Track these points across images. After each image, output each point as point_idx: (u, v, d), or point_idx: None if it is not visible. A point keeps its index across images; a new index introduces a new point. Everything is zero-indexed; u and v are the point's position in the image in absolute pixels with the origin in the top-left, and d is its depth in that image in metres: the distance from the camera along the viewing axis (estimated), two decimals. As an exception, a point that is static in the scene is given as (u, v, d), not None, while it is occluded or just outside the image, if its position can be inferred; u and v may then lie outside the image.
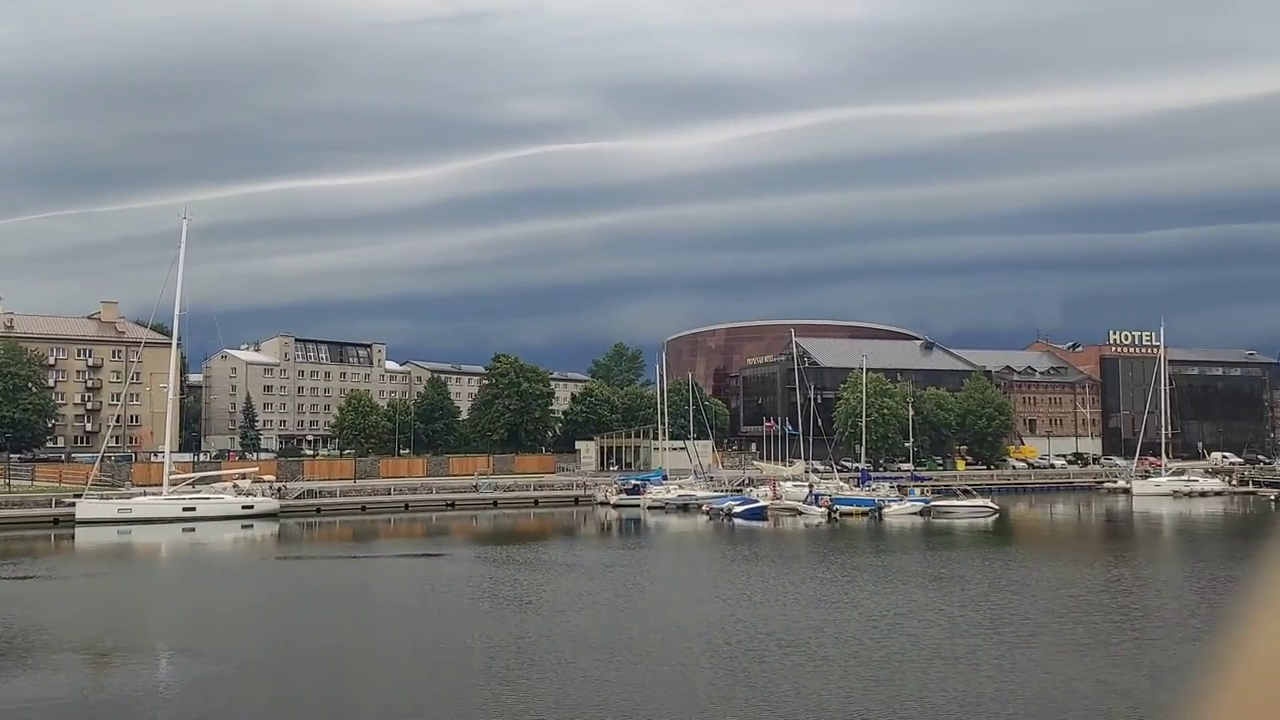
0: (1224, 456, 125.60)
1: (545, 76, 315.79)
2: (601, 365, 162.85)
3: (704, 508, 76.81)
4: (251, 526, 68.91)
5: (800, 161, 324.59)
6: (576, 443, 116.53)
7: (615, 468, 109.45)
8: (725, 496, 78.92)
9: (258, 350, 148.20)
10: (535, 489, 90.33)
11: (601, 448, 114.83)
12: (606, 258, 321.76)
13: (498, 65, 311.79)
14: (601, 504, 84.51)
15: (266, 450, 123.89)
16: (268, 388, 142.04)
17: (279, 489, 78.61)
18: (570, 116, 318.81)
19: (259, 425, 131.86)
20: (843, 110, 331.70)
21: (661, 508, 80.00)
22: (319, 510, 78.30)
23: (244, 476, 79.34)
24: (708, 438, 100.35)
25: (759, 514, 72.73)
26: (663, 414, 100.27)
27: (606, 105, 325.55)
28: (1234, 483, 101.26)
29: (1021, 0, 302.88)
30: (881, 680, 24.15)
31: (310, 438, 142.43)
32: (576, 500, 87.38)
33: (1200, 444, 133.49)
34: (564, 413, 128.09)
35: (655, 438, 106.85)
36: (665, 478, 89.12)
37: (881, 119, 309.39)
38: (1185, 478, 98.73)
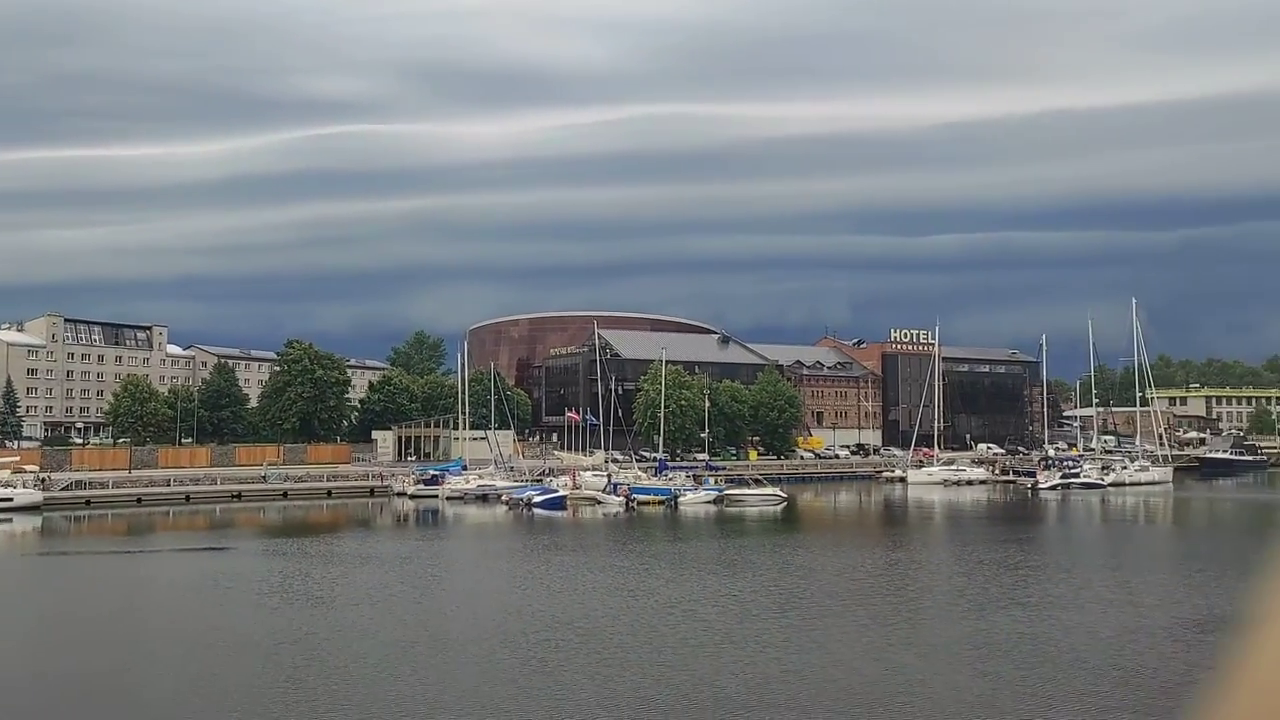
0: (989, 448, 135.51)
1: (345, 53, 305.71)
2: (401, 353, 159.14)
3: (503, 498, 76.44)
4: (10, 521, 63.60)
5: (606, 155, 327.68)
6: (373, 432, 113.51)
7: (413, 458, 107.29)
8: (525, 487, 78.79)
9: (21, 330, 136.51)
10: (328, 480, 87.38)
11: (400, 437, 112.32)
12: (408, 243, 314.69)
13: (293, 39, 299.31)
14: (398, 495, 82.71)
15: (29, 439, 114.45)
16: (32, 371, 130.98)
17: (42, 480, 72.86)
18: (371, 97, 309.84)
19: (20, 411, 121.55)
20: (650, 106, 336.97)
21: (460, 498, 79.08)
22: (89, 502, 73.07)
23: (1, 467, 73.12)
24: (509, 428, 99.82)
25: (558, 504, 73.03)
26: (464, 403, 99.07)
27: (410, 87, 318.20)
28: (996, 472, 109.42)
29: (829, 11, 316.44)
30: (675, 666, 24.80)
31: (80, 425, 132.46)
32: (372, 491, 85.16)
33: (969, 436, 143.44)
34: (361, 401, 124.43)
35: (456, 428, 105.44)
36: (465, 468, 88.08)
37: (687, 116, 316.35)
38: (954, 467, 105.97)
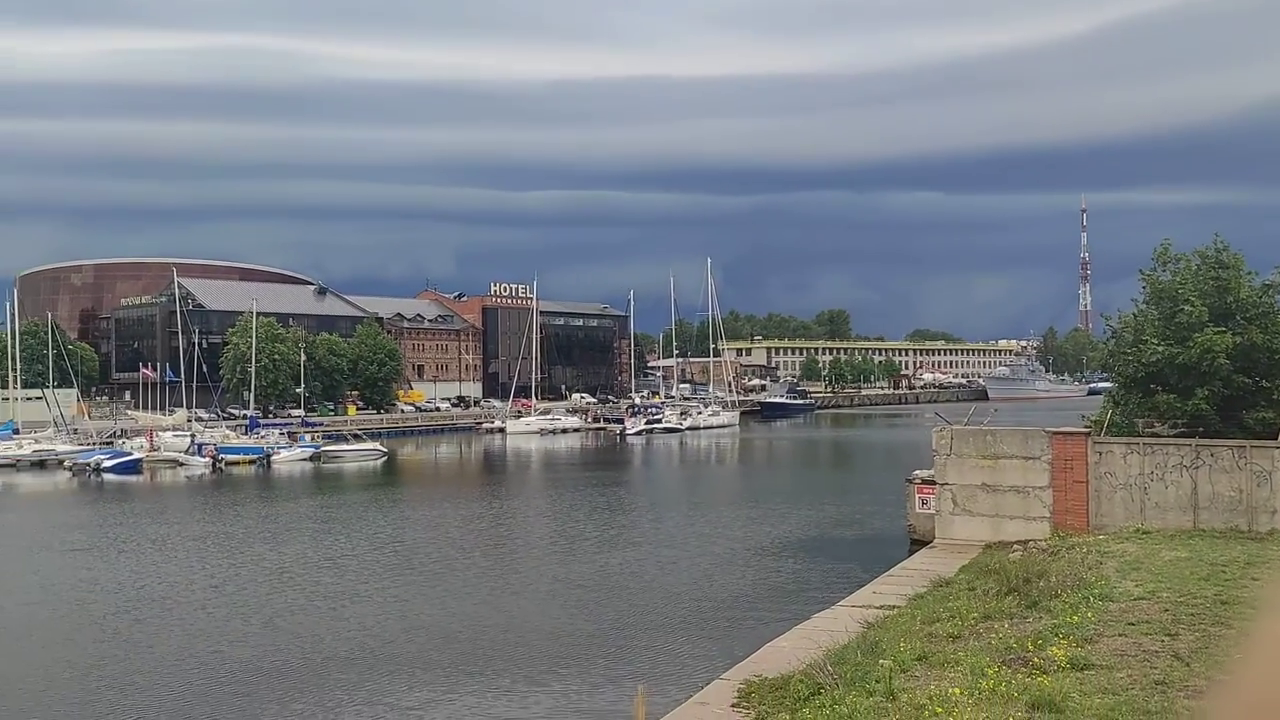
0: (582, 397, 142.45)
1: None
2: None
3: (65, 463, 68.72)
4: None
5: (192, 86, 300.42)
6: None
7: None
8: (93, 451, 71.24)
9: None
10: None
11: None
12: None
13: None
14: (-72, 465, 71.38)
15: None
16: None
17: None
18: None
19: None
20: (242, 37, 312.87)
21: (13, 465, 70.00)
22: None
23: None
24: (72, 386, 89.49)
25: (133, 467, 67.01)
26: (14, 359, 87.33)
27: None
28: (589, 420, 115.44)
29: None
30: (287, 632, 23.75)
31: None
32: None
33: (564, 386, 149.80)
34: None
35: (4, 386, 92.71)
36: (17, 431, 77.86)
37: (284, 52, 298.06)
38: (550, 417, 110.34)
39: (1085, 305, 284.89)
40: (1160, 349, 28.15)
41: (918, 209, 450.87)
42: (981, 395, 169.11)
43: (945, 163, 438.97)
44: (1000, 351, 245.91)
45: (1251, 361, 28.21)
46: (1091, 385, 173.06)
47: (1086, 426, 30.85)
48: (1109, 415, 31.15)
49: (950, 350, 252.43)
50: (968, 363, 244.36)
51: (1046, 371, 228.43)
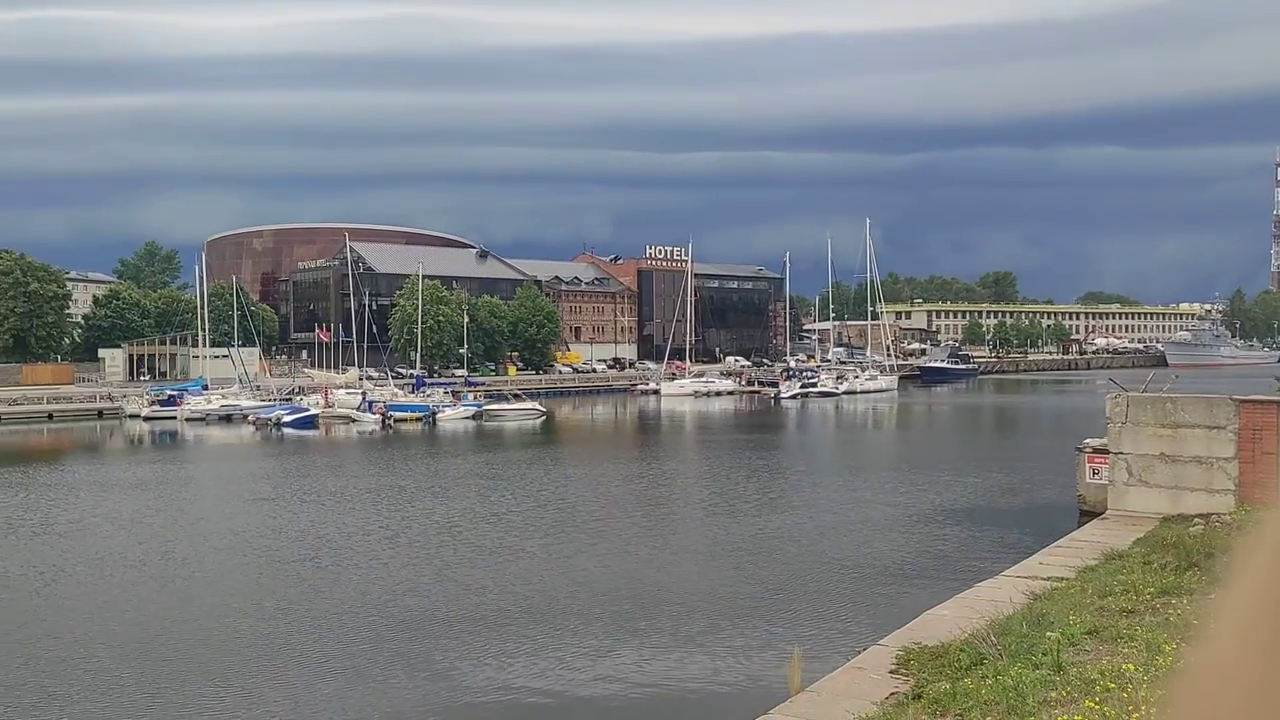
0: (737, 360, 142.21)
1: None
2: (130, 265, 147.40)
3: (250, 418, 73.14)
4: None
5: (358, 56, 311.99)
6: (100, 351, 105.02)
7: (147, 378, 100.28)
8: (274, 406, 75.62)
9: None
10: (49, 402, 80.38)
11: (131, 356, 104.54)
12: (136, 145, 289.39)
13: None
14: (132, 417, 77.32)
15: None
16: None
17: None
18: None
19: None
20: (405, 6, 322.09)
21: (202, 419, 74.93)
22: None
23: None
24: (255, 345, 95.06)
25: (309, 423, 70.75)
26: (203, 320, 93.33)
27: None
28: (743, 383, 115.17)
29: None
30: (458, 582, 24.81)
31: None
32: (100, 414, 79.22)
33: (718, 349, 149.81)
34: (85, 318, 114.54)
35: (195, 345, 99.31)
36: (206, 387, 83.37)
37: (443, 20, 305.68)
38: (704, 379, 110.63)
39: (1277, 266, 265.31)
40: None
41: (1095, 164, 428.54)
42: (1160, 361, 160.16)
43: (1127, 115, 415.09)
44: (1182, 315, 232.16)
45: None
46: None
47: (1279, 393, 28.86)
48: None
49: (1126, 314, 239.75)
50: (1145, 327, 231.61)
51: (1233, 336, 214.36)
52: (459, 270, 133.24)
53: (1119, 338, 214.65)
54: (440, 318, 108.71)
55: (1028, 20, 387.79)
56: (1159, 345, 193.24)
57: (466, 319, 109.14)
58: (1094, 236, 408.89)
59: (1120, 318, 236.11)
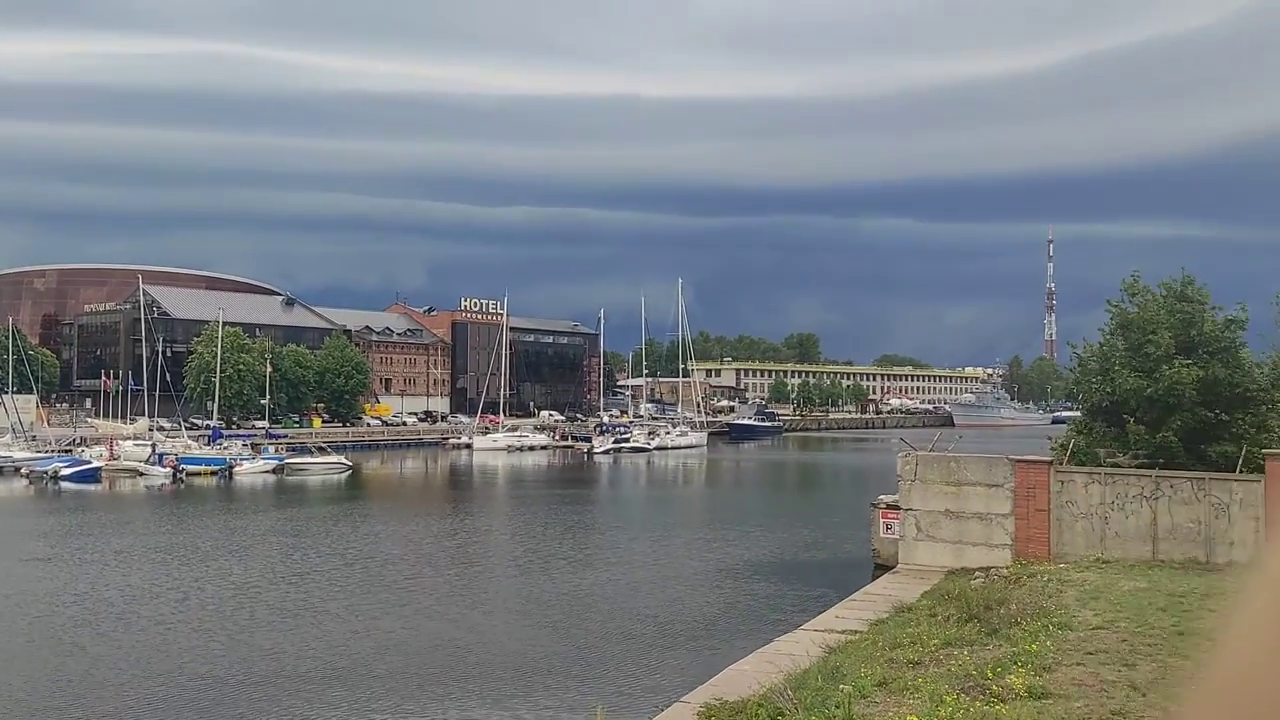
0: (551, 414, 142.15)
1: None
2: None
3: (22, 470, 67.75)
4: None
5: (158, 91, 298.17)
6: None
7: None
8: (51, 458, 70.27)
9: None
10: None
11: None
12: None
13: None
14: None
15: None
16: None
17: None
18: None
19: None
20: (215, 44, 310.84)
21: (-33, 472, 68.86)
22: None
23: None
24: (31, 392, 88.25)
25: (91, 476, 66.17)
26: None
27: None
28: (557, 438, 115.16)
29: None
30: (253, 647, 23.54)
31: None
32: None
33: (532, 403, 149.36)
34: None
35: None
36: (-28, 437, 76.57)
37: (256, 60, 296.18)
38: (518, 434, 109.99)
39: (1050, 334, 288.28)
40: (1131, 380, 28.65)
41: (892, 235, 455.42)
42: (947, 421, 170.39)
43: (919, 190, 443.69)
44: (967, 378, 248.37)
45: (1214, 395, 28.79)
46: (1055, 414, 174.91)
47: (1053, 450, 31.28)
48: (1073, 443, 31.61)
49: (917, 376, 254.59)
50: (935, 389, 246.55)
51: (1011, 399, 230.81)
52: (263, 318, 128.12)
53: (911, 398, 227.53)
54: (241, 366, 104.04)
55: (825, 98, 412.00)
56: (946, 406, 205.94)
57: (269, 368, 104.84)
58: (890, 302, 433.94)
59: (912, 379, 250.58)
